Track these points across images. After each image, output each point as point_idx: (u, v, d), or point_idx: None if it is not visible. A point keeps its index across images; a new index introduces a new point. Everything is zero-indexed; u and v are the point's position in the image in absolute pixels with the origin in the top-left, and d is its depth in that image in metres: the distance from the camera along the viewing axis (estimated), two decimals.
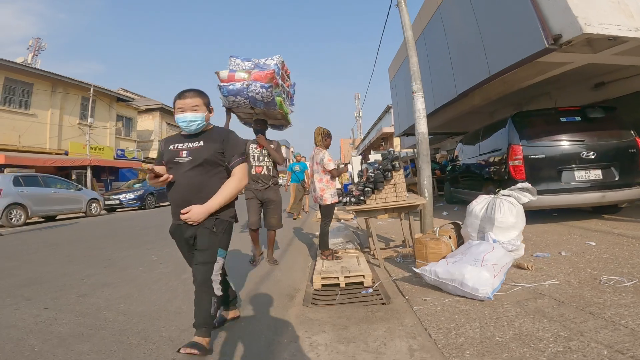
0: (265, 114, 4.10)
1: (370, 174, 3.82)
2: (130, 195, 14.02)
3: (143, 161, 24.78)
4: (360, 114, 49.23)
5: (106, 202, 14.00)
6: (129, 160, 22.94)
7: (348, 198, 3.82)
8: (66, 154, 18.38)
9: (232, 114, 4.01)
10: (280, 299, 3.09)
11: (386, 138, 40.32)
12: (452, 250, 3.28)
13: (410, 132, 12.64)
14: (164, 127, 29.08)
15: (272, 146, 4.12)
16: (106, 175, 21.37)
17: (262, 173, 4.10)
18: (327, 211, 4.30)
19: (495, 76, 6.17)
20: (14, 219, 9.12)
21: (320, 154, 4.21)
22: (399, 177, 3.68)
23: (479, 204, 3.29)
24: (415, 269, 3.09)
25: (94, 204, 12.00)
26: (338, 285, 3.59)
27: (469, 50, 7.21)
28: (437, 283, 2.83)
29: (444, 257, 3.16)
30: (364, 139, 53.41)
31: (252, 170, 4.04)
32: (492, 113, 10.95)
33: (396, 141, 37.90)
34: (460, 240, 3.64)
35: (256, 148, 4.12)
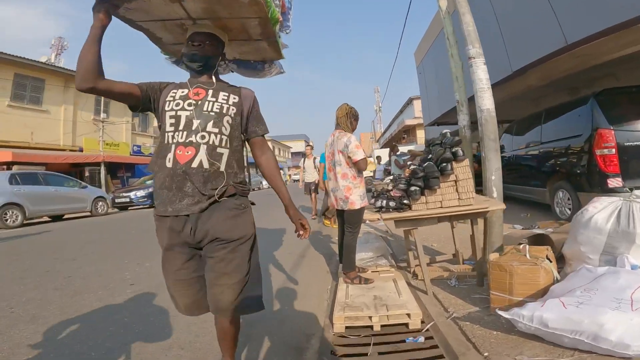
0: (222, 22, 1.59)
1: (415, 166, 2.63)
2: (140, 193, 13.31)
3: None
4: (380, 107, 47.82)
5: (116, 201, 13.35)
6: (146, 157, 22.44)
7: (383, 201, 2.64)
8: (81, 150, 17.97)
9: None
10: (284, 354, 2.01)
11: (408, 130, 38.71)
12: (554, 281, 2.09)
13: (443, 121, 11.23)
14: None
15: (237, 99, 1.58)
16: (122, 171, 20.94)
17: (197, 163, 1.43)
18: (354, 218, 3.16)
19: (571, 47, 4.81)
20: (9, 220, 8.45)
21: (344, 139, 3.07)
22: (462, 170, 2.48)
23: (602, 210, 2.05)
24: (500, 312, 1.93)
25: (100, 203, 11.31)
26: (371, 327, 2.48)
27: (530, 18, 5.82)
28: (542, 333, 1.69)
29: (541, 289, 1.99)
30: (385, 132, 51.91)
31: (169, 155, 1.44)
32: (536, 100, 9.50)
33: (420, 133, 36.30)
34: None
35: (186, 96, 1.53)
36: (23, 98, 15.81)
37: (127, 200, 13.23)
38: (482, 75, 3.14)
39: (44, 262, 4.42)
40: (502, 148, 7.34)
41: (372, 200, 2.86)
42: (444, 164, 2.45)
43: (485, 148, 2.95)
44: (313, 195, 8.03)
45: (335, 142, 3.15)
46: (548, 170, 5.20)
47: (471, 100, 5.31)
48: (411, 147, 18.73)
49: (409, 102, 39.71)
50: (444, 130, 2.84)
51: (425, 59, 11.98)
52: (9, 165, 13.02)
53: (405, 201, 2.55)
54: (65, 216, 10.99)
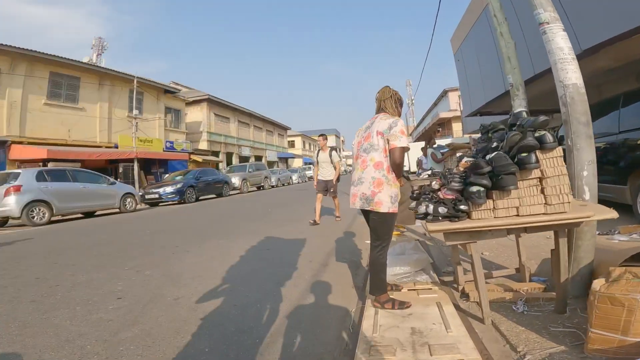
0: None
1: (470, 159, 1.87)
2: (169, 189, 13.22)
3: (192, 153, 24.56)
4: (413, 101, 46.40)
5: (146, 197, 13.35)
6: (178, 152, 22.71)
7: (429, 205, 1.91)
8: (116, 147, 18.34)
9: None
10: None
11: (443, 124, 37.29)
12: None
13: (486, 110, 10.10)
14: (212, 118, 28.77)
15: None
16: (156, 167, 21.29)
17: None
18: (383, 227, 2.47)
19: None
20: (36, 217, 8.45)
21: (389, 120, 2.41)
22: (552, 163, 1.70)
23: None
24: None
25: (128, 199, 11.25)
26: None
27: None
28: None
29: None
30: (418, 125, 50.37)
31: None
32: (599, 87, 8.27)
33: (456, 126, 34.60)
34: None
35: None
36: (59, 96, 16.27)
37: (156, 196, 13.18)
38: (562, 44, 2.30)
39: (39, 267, 4.08)
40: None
41: (413, 204, 2.13)
42: (525, 155, 1.68)
43: (573, 134, 2.12)
44: (332, 197, 6.81)
45: (376, 123, 2.46)
46: (629, 164, 4.20)
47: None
48: (446, 142, 17.50)
49: (444, 94, 38.13)
50: (518, 110, 2.05)
51: (463, 44, 10.86)
52: (44, 162, 13.36)
53: (462, 207, 1.81)
54: (97, 212, 11.06)
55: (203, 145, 27.30)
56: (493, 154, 1.77)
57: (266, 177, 21.94)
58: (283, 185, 26.31)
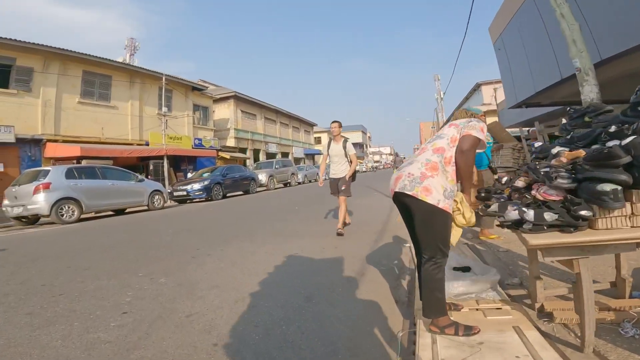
0: None
1: (581, 148, 1.30)
2: (196, 186, 13.11)
3: (219, 150, 24.66)
4: (442, 95, 44.75)
5: (174, 194, 13.32)
6: (206, 149, 22.83)
7: (527, 211, 1.36)
8: (147, 144, 18.59)
9: None
10: None
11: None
12: None
13: (533, 101, 9.15)
14: (239, 115, 28.80)
15: None
16: (185, 164, 21.48)
17: None
18: (431, 227, 1.96)
19: None
20: (65, 215, 8.45)
21: (473, 119, 2.01)
22: None
23: None
24: None
25: (156, 197, 11.18)
26: None
27: None
28: None
29: None
30: (447, 120, 48.59)
31: None
32: None
33: (490, 120, 32.75)
34: None
35: None
36: (92, 95, 16.61)
37: (184, 193, 13.12)
38: None
39: (50, 271, 3.83)
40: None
41: (494, 207, 1.57)
42: None
43: None
44: (341, 199, 5.43)
45: (457, 119, 1.99)
46: None
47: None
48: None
49: (477, 87, 36.42)
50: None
51: (505, 32, 9.89)
52: (78, 159, 13.62)
53: (584, 212, 1.25)
54: (127, 210, 11.10)
55: (230, 142, 27.39)
56: (630, 139, 1.19)
57: (293, 174, 21.63)
58: (310, 181, 25.96)
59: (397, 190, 1.99)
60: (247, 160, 27.73)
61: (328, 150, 5.61)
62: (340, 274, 3.32)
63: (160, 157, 17.46)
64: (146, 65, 20.42)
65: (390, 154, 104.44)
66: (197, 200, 13.49)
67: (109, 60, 17.50)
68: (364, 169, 49.90)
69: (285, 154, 35.90)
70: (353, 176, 5.56)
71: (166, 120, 19.80)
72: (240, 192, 15.89)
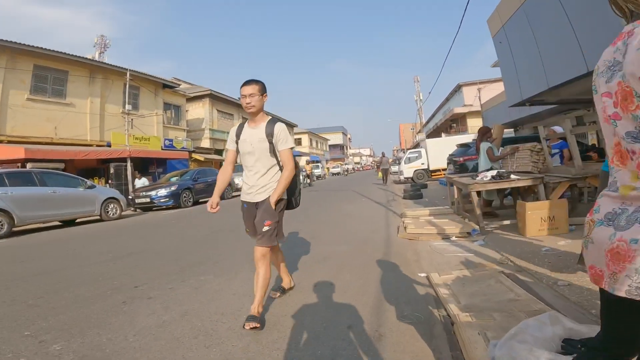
0: None
1: None
2: (162, 192, 11.64)
3: (193, 151, 23.05)
4: (421, 97, 44.82)
5: (137, 201, 11.79)
6: (178, 151, 21.19)
7: None
8: (109, 145, 16.84)
9: None
10: None
11: (457, 119, 35.40)
12: None
13: (539, 99, 8.26)
14: (215, 115, 27.22)
15: None
16: (154, 167, 19.79)
17: None
18: None
19: None
20: None
21: None
22: None
23: None
24: None
25: (111, 205, 9.66)
26: None
27: None
28: None
29: None
30: (428, 122, 48.70)
31: None
32: None
33: (472, 122, 32.64)
34: None
35: None
36: (44, 91, 14.78)
37: (148, 200, 11.62)
38: None
39: None
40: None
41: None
42: None
43: None
44: (257, 252, 2.60)
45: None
46: None
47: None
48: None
49: (458, 89, 36.26)
50: None
51: (510, 23, 8.97)
52: (23, 162, 11.87)
53: None
54: (78, 220, 9.53)
55: (205, 143, 25.78)
56: None
57: None
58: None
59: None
60: (224, 162, 26.16)
61: (237, 144, 2.74)
62: (347, 334, 2.14)
63: (123, 160, 15.77)
64: (123, 64, 18.58)
65: (370, 156, 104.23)
66: (164, 207, 12.01)
67: (66, 54, 15.66)
68: (340, 172, 48.89)
69: None
70: (294, 198, 2.94)
71: (131, 119, 18.11)
72: None
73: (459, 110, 33.20)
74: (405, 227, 5.44)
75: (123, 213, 10.28)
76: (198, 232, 6.68)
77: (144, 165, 19.68)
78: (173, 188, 11.75)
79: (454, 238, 4.79)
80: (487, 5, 9.63)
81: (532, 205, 4.44)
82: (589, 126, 13.79)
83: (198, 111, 26.53)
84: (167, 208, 11.97)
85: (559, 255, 3.65)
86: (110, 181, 14.73)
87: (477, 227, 5.00)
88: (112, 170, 14.96)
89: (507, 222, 4.96)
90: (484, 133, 5.98)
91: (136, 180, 13.87)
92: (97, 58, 21.61)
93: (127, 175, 15.72)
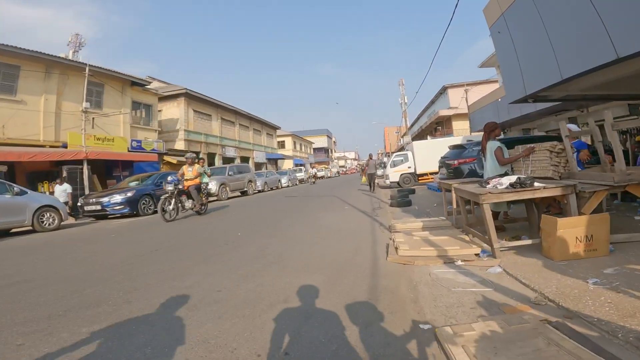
0: None
1: None
2: (117, 198, 10.14)
3: (165, 153, 21.46)
4: (406, 100, 44.57)
5: (86, 208, 10.27)
6: (147, 153, 19.57)
7: None
8: (64, 146, 15.16)
9: None
10: None
11: (442, 122, 34.90)
12: None
13: (542, 95, 7.19)
14: (191, 115, 25.67)
15: None
16: (119, 170, 18.13)
17: None
18: None
19: None
20: None
21: None
22: None
23: None
24: None
25: (47, 214, 8.17)
26: None
27: None
28: None
29: None
30: (412, 125, 48.34)
31: None
32: None
33: (457, 124, 32.10)
34: None
35: None
36: None
37: (99, 208, 10.10)
38: None
39: None
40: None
41: None
42: None
43: None
44: None
45: None
46: None
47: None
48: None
49: (443, 91, 35.75)
50: None
51: (510, 10, 7.91)
52: None
53: None
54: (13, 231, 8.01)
55: (180, 144, 24.20)
56: None
57: (250, 181, 18.93)
58: (272, 189, 23.36)
59: None
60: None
61: None
62: None
63: (80, 162, 14.15)
64: (105, 65, 16.88)
65: (355, 159, 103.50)
66: (119, 215, 10.52)
67: (15, 47, 13.98)
68: (328, 175, 47.93)
69: (245, 159, 33.00)
70: None
71: (92, 118, 16.56)
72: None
73: (444, 112, 32.73)
74: (396, 247, 4.25)
75: (66, 222, 8.77)
76: (129, 251, 5.29)
77: (107, 168, 18.04)
78: (129, 194, 10.27)
79: (459, 262, 3.63)
80: (475, 4, 8.62)
81: (565, 222, 3.32)
82: (582, 128, 13.03)
83: (173, 111, 24.95)
84: (123, 216, 10.49)
85: (618, 289, 2.53)
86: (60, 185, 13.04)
87: (486, 247, 3.86)
88: (64, 174, 13.32)
89: (527, 241, 3.82)
90: (492, 129, 4.86)
91: (56, 186, 11.85)
92: (70, 57, 19.90)
93: (83, 179, 14.10)
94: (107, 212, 10.11)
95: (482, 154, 4.88)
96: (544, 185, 3.68)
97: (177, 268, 4.13)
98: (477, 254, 3.81)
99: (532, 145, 4.69)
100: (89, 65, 15.86)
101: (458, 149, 8.23)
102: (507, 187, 3.68)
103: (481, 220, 3.96)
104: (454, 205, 5.31)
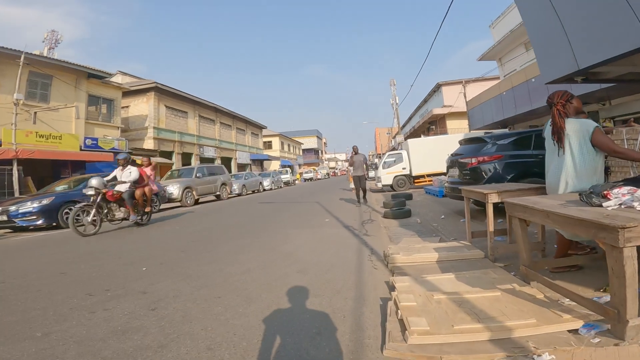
0: None
1: None
2: (26, 207, 7.76)
3: (130, 152, 19.00)
4: (397, 100, 42.85)
5: None
6: (105, 152, 17.12)
7: None
8: None
9: None
10: None
11: (436, 121, 33.07)
12: None
13: (595, 71, 4.99)
14: (163, 112, 23.23)
15: None
16: (68, 171, 15.65)
17: None
18: None
19: None
20: None
21: None
22: None
23: None
24: None
25: None
26: None
27: None
28: None
29: None
30: (405, 125, 46.68)
31: None
32: None
33: (450, 124, 30.28)
34: None
35: None
36: None
37: (4, 218, 7.71)
38: None
39: None
40: None
41: None
42: None
43: None
44: None
45: None
46: None
47: None
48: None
49: (437, 88, 33.98)
50: None
51: None
52: None
53: None
54: None
55: (149, 144, 21.75)
56: None
57: (224, 184, 16.58)
58: (253, 192, 21.07)
59: None
60: (174, 166, 22.19)
61: None
62: None
63: (9, 162, 11.70)
64: (93, 64, 14.38)
65: (346, 160, 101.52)
66: (32, 228, 8.11)
67: None
68: (319, 177, 45.84)
69: (227, 159, 30.58)
70: None
71: (35, 113, 14.12)
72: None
73: (438, 111, 30.96)
74: (401, 319, 2.04)
75: None
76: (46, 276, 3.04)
77: (54, 169, 15.55)
78: (45, 201, 7.88)
79: (547, 358, 1.44)
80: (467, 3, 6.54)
81: None
82: (604, 124, 11.07)
83: (141, 107, 22.48)
84: (40, 228, 8.08)
85: None
86: None
87: (593, 314, 1.69)
88: None
89: None
90: (567, 100, 2.67)
91: None
92: (45, 53, 17.46)
93: (12, 182, 11.64)
94: (15, 224, 7.72)
95: (556, 141, 2.66)
96: None
97: (120, 293, 1.88)
98: (573, 330, 1.63)
99: (609, 127, 2.58)
100: (25, 52, 13.39)
101: (476, 144, 6.06)
102: None
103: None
104: (490, 226, 3.13)
